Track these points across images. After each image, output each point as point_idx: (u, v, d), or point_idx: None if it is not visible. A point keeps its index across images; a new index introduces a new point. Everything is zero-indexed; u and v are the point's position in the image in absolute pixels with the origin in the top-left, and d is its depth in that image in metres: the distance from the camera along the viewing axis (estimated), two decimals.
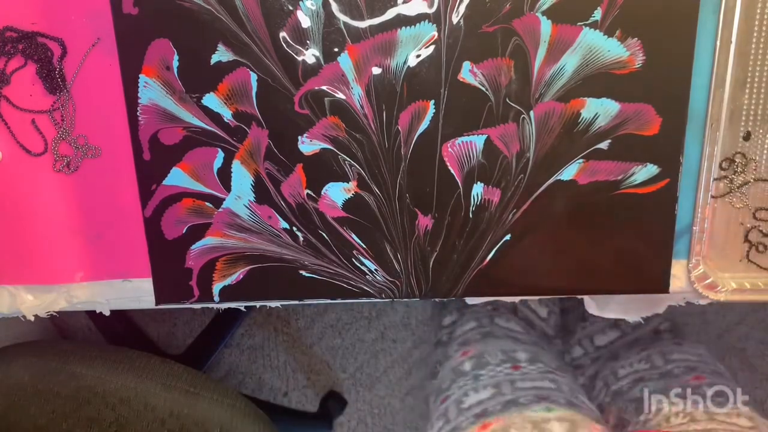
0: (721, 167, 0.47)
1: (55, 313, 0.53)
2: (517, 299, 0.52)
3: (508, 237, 0.48)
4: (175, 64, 0.45)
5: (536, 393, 0.60)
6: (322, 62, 0.44)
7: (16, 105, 0.47)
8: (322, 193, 0.47)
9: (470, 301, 0.51)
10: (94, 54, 0.46)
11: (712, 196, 0.48)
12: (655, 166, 0.46)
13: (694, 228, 0.48)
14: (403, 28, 0.43)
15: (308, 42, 0.44)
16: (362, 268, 0.49)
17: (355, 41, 0.44)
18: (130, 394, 0.70)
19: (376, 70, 0.44)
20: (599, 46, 0.44)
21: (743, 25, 0.44)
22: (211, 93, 0.45)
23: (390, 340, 1.26)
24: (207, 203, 0.48)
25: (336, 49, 0.44)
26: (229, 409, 0.73)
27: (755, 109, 0.46)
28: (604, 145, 0.46)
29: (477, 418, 0.58)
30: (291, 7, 0.43)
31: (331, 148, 0.46)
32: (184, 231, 0.49)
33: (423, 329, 1.25)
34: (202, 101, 0.46)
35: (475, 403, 0.60)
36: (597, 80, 0.44)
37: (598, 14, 0.43)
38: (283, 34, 0.44)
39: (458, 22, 0.43)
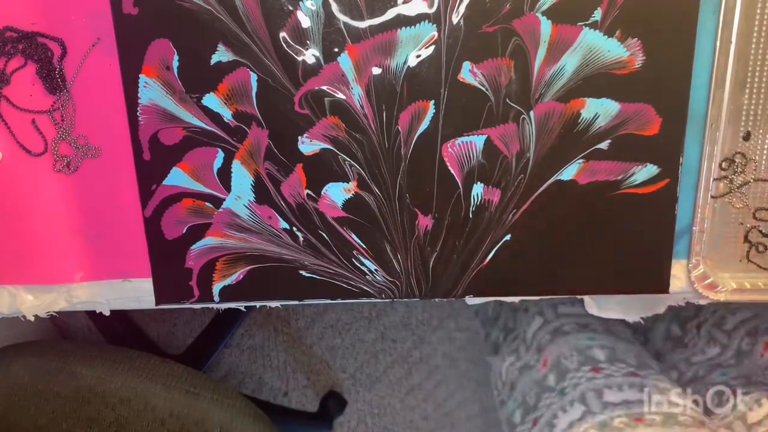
0: (721, 167, 0.47)
1: (55, 313, 0.53)
2: (517, 299, 0.52)
3: (508, 237, 0.48)
4: (175, 64, 0.45)
5: (627, 411, 0.57)
6: (322, 62, 0.44)
7: (16, 105, 0.47)
8: (322, 193, 0.47)
9: (470, 301, 0.51)
10: (94, 54, 0.46)
11: (712, 196, 0.48)
12: (655, 166, 0.46)
13: (694, 228, 0.48)
14: (403, 28, 0.43)
15: (308, 42, 0.44)
16: (362, 268, 0.49)
17: (355, 41, 0.44)
18: (130, 394, 0.70)
19: (376, 70, 0.44)
20: (599, 46, 0.44)
21: (743, 25, 0.44)
22: (211, 93, 0.45)
23: (390, 340, 1.26)
24: (207, 203, 0.48)
25: (336, 49, 0.44)
26: (229, 409, 0.73)
27: (755, 109, 0.46)
28: (604, 145, 0.46)
29: None
30: (291, 7, 0.43)
31: (331, 148, 0.46)
32: (184, 231, 0.49)
33: (423, 329, 1.25)
34: (202, 101, 0.46)
35: (567, 426, 0.59)
36: (597, 80, 0.44)
37: (598, 14, 0.43)
38: (283, 34, 0.44)
39: (458, 22, 0.43)
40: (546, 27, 0.43)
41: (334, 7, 0.43)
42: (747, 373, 0.66)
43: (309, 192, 0.47)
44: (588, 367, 0.62)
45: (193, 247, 0.49)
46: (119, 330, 1.14)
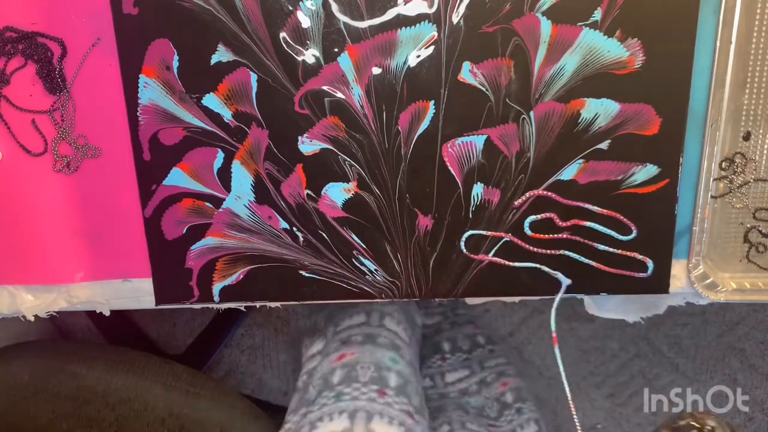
0: (721, 167, 0.47)
1: (55, 313, 0.53)
2: (516, 299, 0.52)
3: (508, 237, 0.48)
4: (175, 64, 0.45)
5: None
6: (322, 62, 0.44)
7: (16, 105, 0.47)
8: (322, 193, 0.47)
9: (470, 301, 0.51)
10: (94, 54, 0.46)
11: (712, 196, 0.48)
12: (655, 167, 0.46)
13: (694, 228, 0.48)
14: (403, 28, 0.43)
15: (308, 42, 0.44)
16: (362, 268, 0.49)
17: (355, 41, 0.44)
18: (130, 394, 0.70)
19: (376, 71, 0.44)
20: (599, 46, 0.44)
21: (743, 25, 0.44)
22: (211, 93, 0.45)
23: None
24: (207, 203, 0.48)
25: (336, 50, 0.44)
26: (229, 409, 0.73)
27: (755, 109, 0.46)
28: (604, 145, 0.46)
29: None
30: (291, 8, 0.43)
31: (331, 148, 0.46)
32: (184, 231, 0.49)
33: (422, 330, 1.25)
34: (202, 101, 0.46)
35: None
36: (597, 80, 0.44)
37: (598, 14, 0.43)
38: (283, 34, 0.44)
39: (458, 22, 0.43)
40: (546, 27, 0.43)
41: (334, 7, 0.43)
42: (482, 403, 0.74)
43: (309, 192, 0.47)
44: (376, 387, 0.61)
45: (193, 247, 0.49)
46: (119, 330, 1.14)
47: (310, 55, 0.44)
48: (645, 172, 0.46)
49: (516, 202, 0.47)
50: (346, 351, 0.65)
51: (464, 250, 0.48)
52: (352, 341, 0.67)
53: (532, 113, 0.45)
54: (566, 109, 0.45)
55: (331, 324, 0.72)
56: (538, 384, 1.22)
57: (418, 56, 0.44)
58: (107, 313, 0.54)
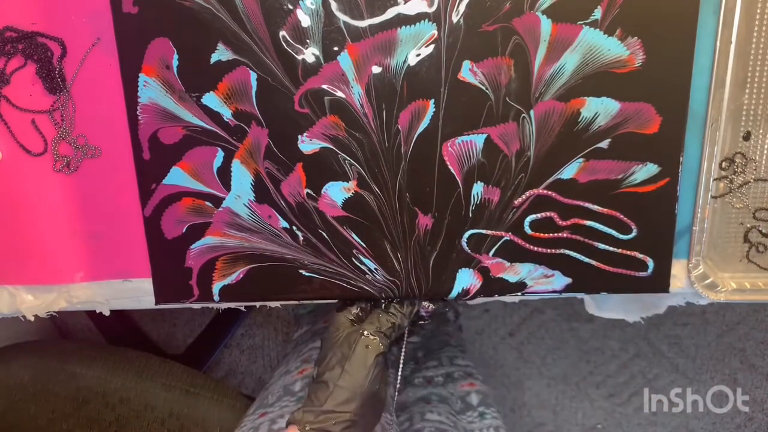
0: (721, 167, 0.47)
1: (55, 313, 0.53)
2: (516, 299, 0.52)
3: (508, 237, 0.48)
4: (175, 63, 0.45)
5: None
6: (322, 61, 0.44)
7: (16, 105, 0.47)
8: (322, 192, 0.47)
9: (471, 301, 0.51)
10: (94, 54, 0.46)
11: (712, 196, 0.48)
12: (656, 165, 0.46)
13: (694, 228, 0.48)
14: (403, 27, 0.43)
15: (308, 41, 0.44)
16: (362, 267, 0.49)
17: (355, 40, 0.44)
18: (130, 394, 0.70)
19: (376, 69, 0.44)
20: (599, 45, 0.44)
21: (743, 25, 0.44)
22: (211, 92, 0.45)
23: None
24: (207, 202, 0.48)
25: (336, 48, 0.44)
26: (229, 409, 0.73)
27: (755, 109, 0.46)
28: (604, 144, 0.46)
29: None
30: (291, 6, 0.43)
31: (331, 147, 0.46)
32: (183, 230, 0.49)
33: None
34: (201, 100, 0.46)
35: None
36: (597, 79, 0.44)
37: (598, 13, 0.43)
38: (283, 33, 0.44)
39: (458, 21, 0.43)
40: (546, 26, 0.43)
41: (334, 6, 0.43)
42: (447, 396, 0.74)
43: (309, 191, 0.47)
44: None
45: (193, 246, 0.49)
46: (119, 330, 1.14)
47: (310, 53, 0.44)
48: (645, 171, 0.46)
49: (516, 201, 0.47)
50: (307, 366, 0.67)
51: (464, 249, 0.48)
52: (312, 359, 0.68)
53: (532, 112, 0.45)
54: (566, 107, 0.45)
55: (295, 352, 0.73)
56: (538, 384, 1.22)
57: (418, 55, 0.44)
58: (107, 313, 0.54)
